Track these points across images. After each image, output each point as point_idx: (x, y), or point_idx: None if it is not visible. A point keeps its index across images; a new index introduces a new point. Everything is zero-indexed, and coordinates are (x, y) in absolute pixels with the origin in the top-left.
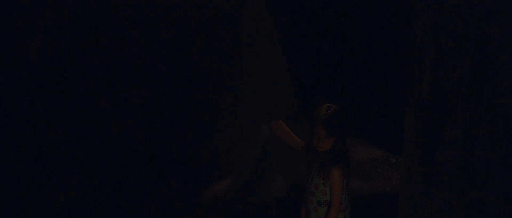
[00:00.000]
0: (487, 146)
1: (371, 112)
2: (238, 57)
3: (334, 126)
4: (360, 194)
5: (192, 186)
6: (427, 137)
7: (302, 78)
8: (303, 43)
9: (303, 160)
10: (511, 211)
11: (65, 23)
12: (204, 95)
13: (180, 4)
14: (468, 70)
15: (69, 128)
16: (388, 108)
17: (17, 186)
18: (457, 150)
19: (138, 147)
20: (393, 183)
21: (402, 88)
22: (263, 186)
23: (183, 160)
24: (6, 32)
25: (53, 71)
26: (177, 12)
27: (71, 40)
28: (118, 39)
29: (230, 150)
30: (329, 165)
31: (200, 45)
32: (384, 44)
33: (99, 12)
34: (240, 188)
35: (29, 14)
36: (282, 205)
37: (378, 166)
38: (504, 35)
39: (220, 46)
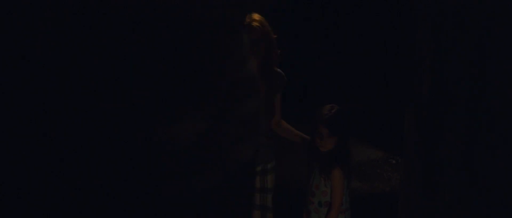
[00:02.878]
0: (487, 146)
1: (371, 112)
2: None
3: (337, 125)
4: (360, 195)
5: (193, 186)
6: (427, 137)
7: (302, 78)
8: (303, 44)
9: (303, 160)
10: None
11: (65, 23)
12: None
13: (180, 4)
14: (467, 70)
15: (69, 128)
16: (388, 108)
17: (17, 186)
18: (457, 150)
19: (138, 147)
20: (393, 184)
21: (402, 88)
22: None
23: (182, 159)
24: (6, 32)
25: (53, 71)
26: (177, 12)
27: (71, 40)
28: (118, 39)
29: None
30: (331, 165)
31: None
32: (384, 44)
33: (99, 12)
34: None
35: (29, 14)
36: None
37: (378, 167)
38: (503, 35)
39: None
